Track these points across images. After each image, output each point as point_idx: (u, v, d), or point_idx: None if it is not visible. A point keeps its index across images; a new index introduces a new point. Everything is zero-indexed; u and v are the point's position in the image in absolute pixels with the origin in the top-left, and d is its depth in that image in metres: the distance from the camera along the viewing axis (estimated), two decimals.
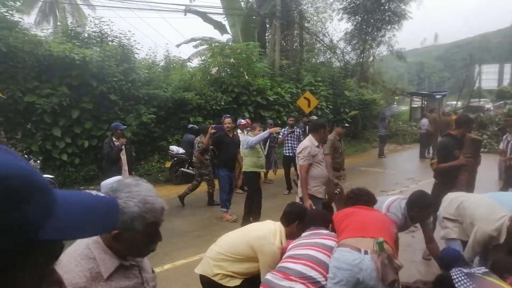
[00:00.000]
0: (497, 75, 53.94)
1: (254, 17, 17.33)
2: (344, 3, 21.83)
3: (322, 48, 22.93)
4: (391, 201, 3.53)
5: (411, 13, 21.57)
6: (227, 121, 6.50)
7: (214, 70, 13.27)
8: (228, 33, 18.18)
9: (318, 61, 21.38)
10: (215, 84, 12.74)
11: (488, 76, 50.93)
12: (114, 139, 6.52)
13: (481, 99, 38.83)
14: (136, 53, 11.49)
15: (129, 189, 1.22)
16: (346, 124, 5.58)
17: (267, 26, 19.44)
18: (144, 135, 10.56)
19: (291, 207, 2.95)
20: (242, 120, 9.06)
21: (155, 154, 10.98)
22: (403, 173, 10.97)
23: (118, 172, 6.18)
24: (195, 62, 16.38)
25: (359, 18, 21.54)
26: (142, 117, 10.26)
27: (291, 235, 2.77)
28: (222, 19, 17.77)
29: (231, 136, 6.47)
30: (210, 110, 11.85)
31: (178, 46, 17.33)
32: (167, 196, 8.49)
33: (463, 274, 2.44)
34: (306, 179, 4.35)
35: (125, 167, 6.50)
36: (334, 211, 4.92)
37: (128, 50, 10.97)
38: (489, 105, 33.59)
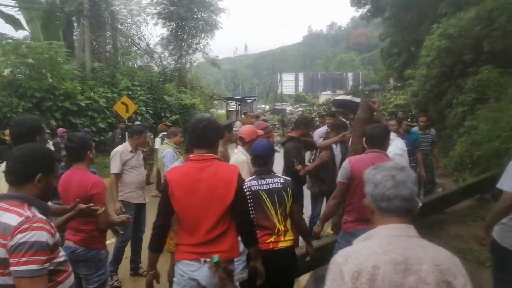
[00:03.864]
0: (294, 82, 64.01)
1: (58, 13, 15.44)
2: (159, 8, 21.89)
3: (138, 52, 22.37)
4: None
5: (222, 24, 23.41)
6: (7, 132, 5.60)
7: (6, 72, 11.16)
8: (25, 29, 15.65)
9: (135, 65, 20.77)
10: (9, 88, 10.77)
11: (287, 83, 59.95)
12: None
13: (283, 103, 45.30)
14: None
15: None
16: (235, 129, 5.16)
17: (75, 24, 17.68)
18: None
19: None
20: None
21: None
22: None
23: None
24: None
25: (174, 25, 21.98)
26: None
27: None
28: (15, 12, 15.18)
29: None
30: (3, 119, 9.94)
31: None
32: None
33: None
34: (116, 183, 4.30)
35: None
36: None
37: None
38: (289, 108, 39.53)
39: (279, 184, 2.77)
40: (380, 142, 3.02)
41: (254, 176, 2.82)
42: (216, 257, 2.23)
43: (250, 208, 2.70)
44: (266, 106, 38.57)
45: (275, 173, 2.95)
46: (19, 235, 1.54)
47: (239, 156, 3.63)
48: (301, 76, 66.30)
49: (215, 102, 29.44)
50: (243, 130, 3.86)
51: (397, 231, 1.30)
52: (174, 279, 2.41)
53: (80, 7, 14.94)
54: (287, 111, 34.55)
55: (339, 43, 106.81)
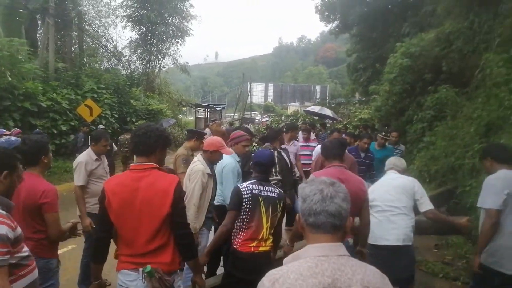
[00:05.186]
0: (264, 92, 64.60)
1: (20, 10, 14.82)
2: (128, 11, 21.55)
3: (106, 54, 21.82)
4: None
5: (193, 30, 23.35)
6: None
7: None
8: None
9: (102, 67, 20.23)
10: None
11: (257, 93, 60.41)
12: None
13: (253, 112, 45.60)
14: None
15: None
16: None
17: (39, 23, 17.04)
18: None
19: None
20: (4, 130, 7.55)
21: None
22: None
23: None
24: None
25: (144, 28, 21.69)
26: None
27: None
28: None
29: None
30: None
31: None
32: None
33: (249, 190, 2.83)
34: (82, 197, 3.99)
35: None
36: None
37: None
38: (258, 117, 39.78)
39: (275, 194, 2.88)
40: (340, 154, 3.11)
41: (255, 180, 2.90)
42: (148, 267, 2.17)
43: (246, 210, 2.78)
44: (236, 114, 38.58)
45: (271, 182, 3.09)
46: None
47: (197, 165, 3.55)
48: (270, 86, 66.96)
49: (184, 108, 29.11)
50: (209, 140, 3.79)
51: (326, 251, 1.24)
52: None
53: (45, 5, 14.44)
54: (256, 120, 34.75)
55: (308, 56, 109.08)
